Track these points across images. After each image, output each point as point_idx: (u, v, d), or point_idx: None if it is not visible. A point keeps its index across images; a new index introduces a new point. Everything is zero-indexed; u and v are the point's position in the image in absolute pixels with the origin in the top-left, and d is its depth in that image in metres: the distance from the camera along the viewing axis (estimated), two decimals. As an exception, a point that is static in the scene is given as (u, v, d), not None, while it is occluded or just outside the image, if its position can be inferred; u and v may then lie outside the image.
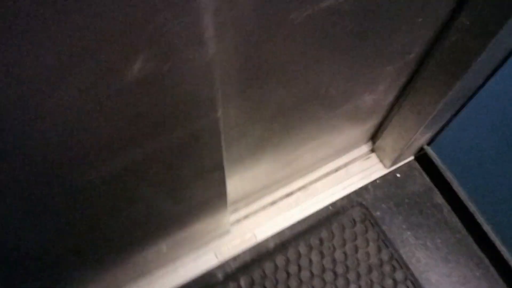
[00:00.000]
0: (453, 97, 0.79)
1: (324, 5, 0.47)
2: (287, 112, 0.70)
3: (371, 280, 1.03)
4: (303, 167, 1.07)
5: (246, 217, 1.11)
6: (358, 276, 1.04)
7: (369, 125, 1.05)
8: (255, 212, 1.11)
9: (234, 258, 1.06)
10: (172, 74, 0.38)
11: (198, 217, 0.82)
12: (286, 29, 0.48)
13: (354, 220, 1.10)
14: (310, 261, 1.05)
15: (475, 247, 1.09)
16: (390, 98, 0.91)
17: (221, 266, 1.05)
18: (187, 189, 0.65)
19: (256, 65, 0.52)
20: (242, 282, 1.03)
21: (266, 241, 1.08)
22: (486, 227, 1.05)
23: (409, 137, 0.99)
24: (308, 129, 0.83)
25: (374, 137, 1.15)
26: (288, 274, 1.04)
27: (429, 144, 1.12)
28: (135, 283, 1.02)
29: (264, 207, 1.12)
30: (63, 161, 0.42)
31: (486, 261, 1.07)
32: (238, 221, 1.10)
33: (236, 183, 0.87)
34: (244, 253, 1.07)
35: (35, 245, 0.55)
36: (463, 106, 0.88)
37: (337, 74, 0.67)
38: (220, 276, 1.04)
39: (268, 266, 1.05)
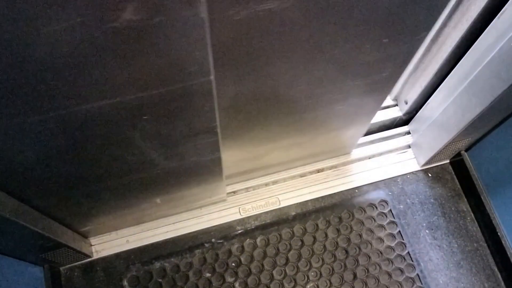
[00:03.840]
0: (496, 105, 0.80)
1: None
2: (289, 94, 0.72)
3: (380, 266, 1.07)
4: (334, 148, 1.11)
5: (275, 182, 1.17)
6: (368, 258, 1.08)
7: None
8: (284, 179, 1.17)
9: (256, 217, 1.13)
10: (164, 28, 0.41)
11: (196, 180, 0.88)
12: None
13: (376, 207, 1.13)
14: (326, 235, 1.10)
15: (490, 259, 1.10)
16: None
17: (243, 222, 1.13)
18: (180, 146, 0.69)
19: (244, 43, 0.54)
20: (259, 239, 1.10)
21: (289, 208, 1.14)
22: (506, 243, 1.05)
23: (448, 138, 1.00)
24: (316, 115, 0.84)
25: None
26: (302, 242, 1.10)
27: (467, 150, 1.12)
28: (167, 219, 1.12)
29: (293, 177, 1.17)
30: (60, 87, 0.46)
31: (498, 275, 1.08)
32: (266, 184, 1.17)
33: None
34: (266, 214, 1.14)
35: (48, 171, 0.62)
36: (507, 117, 0.89)
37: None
38: (239, 230, 1.11)
39: (285, 232, 1.11)
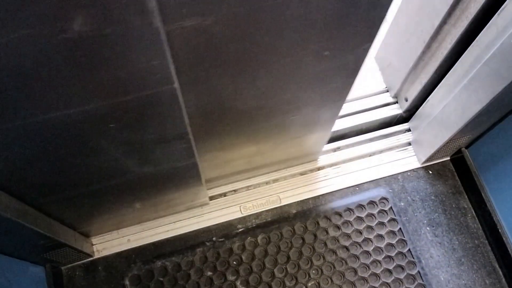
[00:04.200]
0: (497, 101, 0.80)
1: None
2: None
3: (380, 263, 1.08)
4: (299, 155, 1.11)
5: (275, 180, 1.17)
6: (369, 256, 1.08)
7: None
8: (285, 177, 1.17)
9: (257, 216, 1.14)
10: (116, 38, 0.41)
11: (175, 185, 0.90)
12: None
13: (376, 204, 1.13)
14: (327, 233, 1.11)
15: (491, 256, 1.10)
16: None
17: (244, 220, 1.13)
18: (153, 152, 0.70)
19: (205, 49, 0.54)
20: (260, 238, 1.10)
21: (289, 206, 1.14)
22: (507, 239, 1.05)
23: (448, 135, 1.00)
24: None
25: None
26: (303, 240, 1.10)
27: (467, 147, 1.12)
28: (168, 218, 1.12)
29: (293, 175, 1.17)
30: (23, 97, 0.46)
31: (499, 271, 1.09)
32: (267, 182, 1.17)
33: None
34: (267, 212, 1.14)
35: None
36: (507, 114, 0.89)
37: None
38: (240, 228, 1.11)
39: (286, 230, 1.11)
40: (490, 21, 0.80)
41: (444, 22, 0.91)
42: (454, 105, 0.95)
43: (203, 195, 1.03)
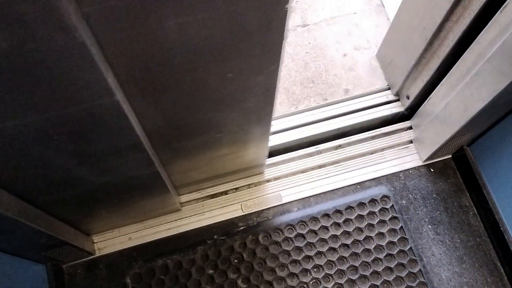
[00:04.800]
0: (500, 99, 0.80)
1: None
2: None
3: (382, 261, 1.07)
4: (245, 167, 1.10)
5: (276, 178, 1.17)
6: (370, 254, 1.08)
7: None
8: (286, 176, 1.17)
9: (258, 214, 1.13)
10: (43, 54, 0.41)
11: (141, 193, 0.90)
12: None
13: (377, 202, 1.13)
14: (328, 231, 1.10)
15: (493, 254, 1.10)
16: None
17: (245, 219, 1.13)
18: (106, 162, 0.70)
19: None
20: (261, 236, 1.10)
21: (290, 204, 1.14)
22: (508, 237, 1.05)
23: (450, 133, 1.00)
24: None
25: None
26: (304, 238, 1.10)
27: (469, 145, 1.12)
28: (169, 216, 1.12)
29: (294, 173, 1.17)
30: None
31: (501, 269, 1.08)
32: (268, 181, 1.16)
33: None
34: (268, 211, 1.13)
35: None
36: (509, 112, 0.88)
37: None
38: (242, 227, 1.11)
39: (287, 228, 1.11)
40: (493, 18, 0.80)
41: (446, 19, 0.90)
42: (456, 103, 0.94)
43: (172, 201, 1.03)
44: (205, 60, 0.55)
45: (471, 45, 0.88)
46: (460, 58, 0.92)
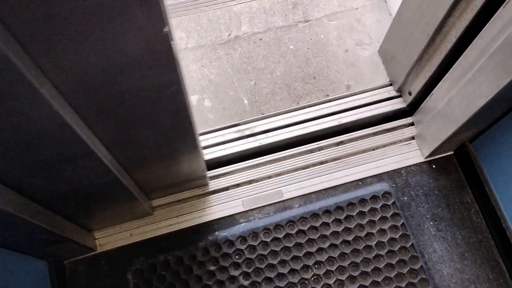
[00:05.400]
0: (502, 95, 0.79)
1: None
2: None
3: (383, 258, 1.07)
4: (187, 179, 1.10)
5: (278, 174, 1.17)
6: (372, 250, 1.08)
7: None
8: (287, 172, 1.17)
9: (259, 210, 1.13)
10: None
11: (106, 201, 0.91)
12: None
13: (379, 199, 1.13)
14: (329, 227, 1.10)
15: (494, 250, 1.10)
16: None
17: (246, 215, 1.13)
18: (63, 171, 0.70)
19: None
20: (262, 232, 1.09)
21: (292, 200, 1.14)
22: (511, 234, 1.05)
23: (452, 129, 0.99)
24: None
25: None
26: (305, 235, 1.09)
27: (471, 141, 1.11)
28: (170, 212, 1.12)
29: (295, 169, 1.17)
30: None
31: (503, 266, 1.08)
32: (269, 176, 1.16)
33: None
34: (269, 207, 1.13)
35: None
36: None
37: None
38: (243, 223, 1.11)
39: (288, 224, 1.10)
40: (496, 13, 0.79)
41: (448, 14, 0.90)
42: (459, 99, 0.94)
43: (142, 207, 1.03)
44: (107, 83, 0.57)
45: (474, 40, 0.87)
46: (463, 54, 0.91)
